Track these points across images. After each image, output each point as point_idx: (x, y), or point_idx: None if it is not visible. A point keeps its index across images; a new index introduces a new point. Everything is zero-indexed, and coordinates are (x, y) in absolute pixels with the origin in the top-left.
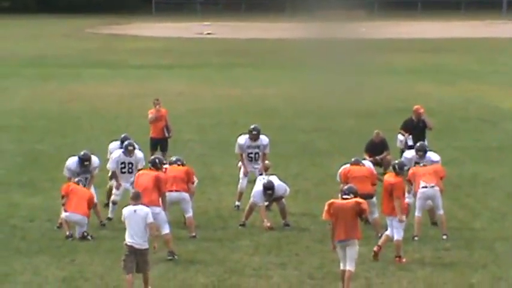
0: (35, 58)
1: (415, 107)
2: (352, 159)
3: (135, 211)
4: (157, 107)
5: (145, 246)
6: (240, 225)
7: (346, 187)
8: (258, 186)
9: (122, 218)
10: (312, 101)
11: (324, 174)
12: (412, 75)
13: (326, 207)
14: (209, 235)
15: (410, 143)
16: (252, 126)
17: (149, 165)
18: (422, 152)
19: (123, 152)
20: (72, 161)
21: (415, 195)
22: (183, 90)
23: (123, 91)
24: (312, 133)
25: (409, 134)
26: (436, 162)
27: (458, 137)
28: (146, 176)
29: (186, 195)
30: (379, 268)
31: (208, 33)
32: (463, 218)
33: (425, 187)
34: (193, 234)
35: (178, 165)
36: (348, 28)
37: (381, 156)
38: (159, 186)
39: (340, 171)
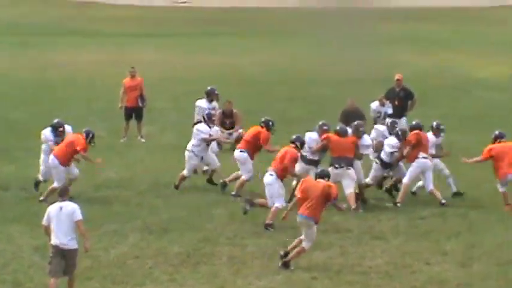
0: (11, 26)
1: (396, 76)
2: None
3: (61, 208)
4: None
5: (74, 246)
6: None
7: (319, 171)
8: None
9: (44, 219)
10: (289, 69)
11: None
12: (389, 44)
13: (300, 183)
14: (184, 204)
15: (390, 111)
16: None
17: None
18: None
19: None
20: (46, 130)
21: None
22: (158, 58)
23: (98, 59)
24: (289, 101)
25: (390, 103)
26: None
27: (433, 106)
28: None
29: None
30: (353, 237)
31: (183, 2)
32: (438, 187)
33: (426, 158)
34: None
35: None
36: None
37: None
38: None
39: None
